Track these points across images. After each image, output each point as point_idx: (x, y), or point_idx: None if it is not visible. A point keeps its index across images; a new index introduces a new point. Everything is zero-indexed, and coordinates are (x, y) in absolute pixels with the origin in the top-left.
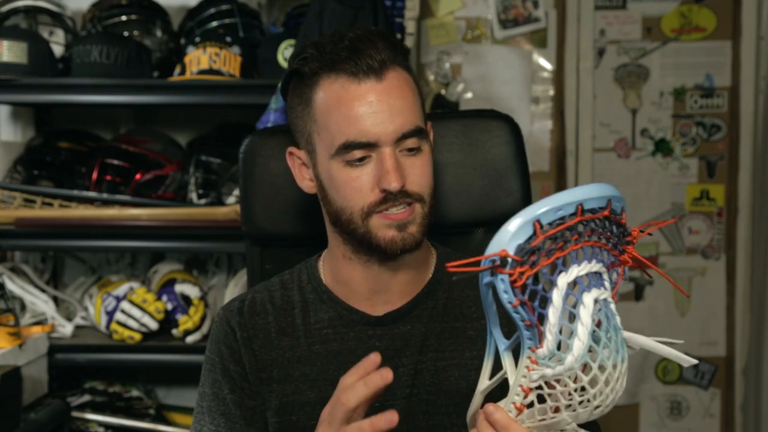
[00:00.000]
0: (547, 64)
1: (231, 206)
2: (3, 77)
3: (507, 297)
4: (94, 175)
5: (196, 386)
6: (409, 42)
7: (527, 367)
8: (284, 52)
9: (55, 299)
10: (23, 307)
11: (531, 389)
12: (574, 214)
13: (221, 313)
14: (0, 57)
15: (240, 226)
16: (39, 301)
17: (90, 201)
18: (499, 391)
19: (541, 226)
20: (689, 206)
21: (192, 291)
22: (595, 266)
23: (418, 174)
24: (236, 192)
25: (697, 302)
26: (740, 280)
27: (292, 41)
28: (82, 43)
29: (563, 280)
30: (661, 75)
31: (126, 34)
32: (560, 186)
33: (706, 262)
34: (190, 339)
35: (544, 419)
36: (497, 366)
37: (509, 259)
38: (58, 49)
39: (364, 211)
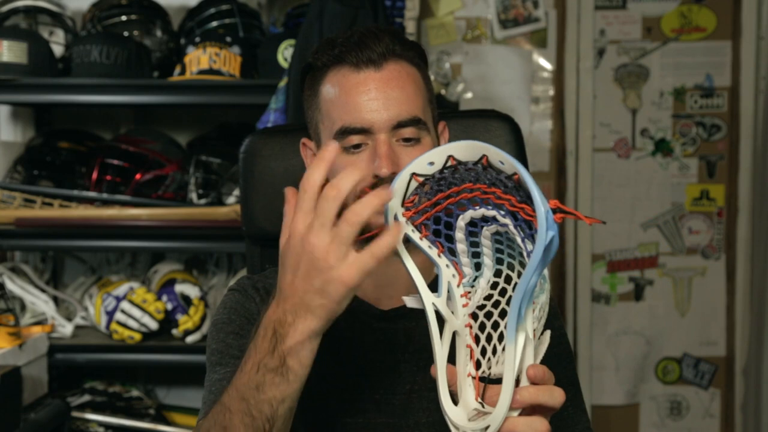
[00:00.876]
0: (547, 64)
1: (231, 206)
2: (3, 77)
3: (415, 235)
4: (94, 175)
5: (196, 386)
6: None
7: (464, 304)
8: (284, 52)
9: (55, 299)
10: (23, 307)
11: (470, 324)
12: (446, 164)
13: (235, 286)
14: (0, 57)
15: (240, 226)
16: (39, 301)
17: (90, 201)
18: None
19: (419, 176)
20: (689, 206)
21: (192, 291)
22: (490, 212)
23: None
24: (236, 192)
25: (697, 302)
26: (740, 280)
27: (292, 41)
28: (82, 43)
29: (462, 221)
30: (661, 75)
31: (126, 34)
32: (560, 186)
33: (706, 262)
34: (190, 339)
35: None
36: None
37: (400, 210)
38: (58, 49)
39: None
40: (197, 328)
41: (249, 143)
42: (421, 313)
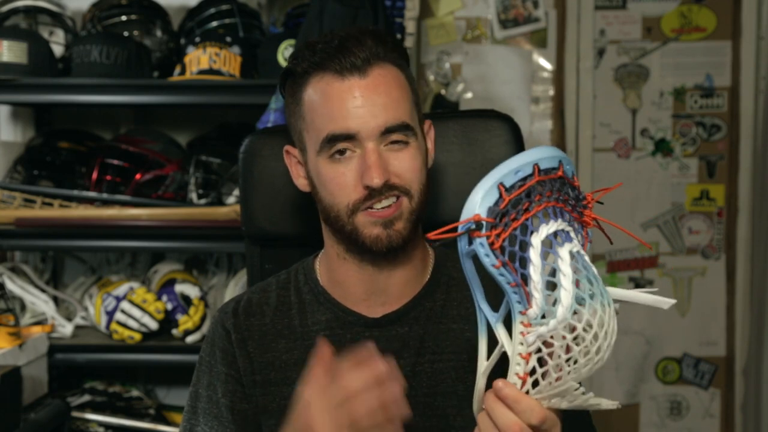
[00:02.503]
0: (547, 64)
1: (231, 206)
2: (3, 77)
3: (489, 260)
4: (94, 175)
5: None
6: (409, 42)
7: (522, 332)
8: (284, 52)
9: (55, 299)
10: (23, 307)
11: (530, 354)
12: (532, 175)
13: (216, 315)
14: (0, 57)
15: (240, 226)
16: (39, 301)
17: (90, 201)
18: (500, 371)
19: (506, 189)
20: (689, 206)
21: (192, 291)
22: (561, 224)
23: (403, 167)
24: (236, 192)
25: (697, 302)
26: (740, 280)
27: (292, 41)
28: (82, 43)
29: (536, 239)
30: (661, 75)
31: (126, 34)
32: None
33: (706, 262)
34: (190, 339)
35: (550, 383)
36: (493, 344)
37: (484, 223)
38: (58, 49)
39: (349, 208)
40: (197, 328)
41: (249, 143)
42: (414, 319)
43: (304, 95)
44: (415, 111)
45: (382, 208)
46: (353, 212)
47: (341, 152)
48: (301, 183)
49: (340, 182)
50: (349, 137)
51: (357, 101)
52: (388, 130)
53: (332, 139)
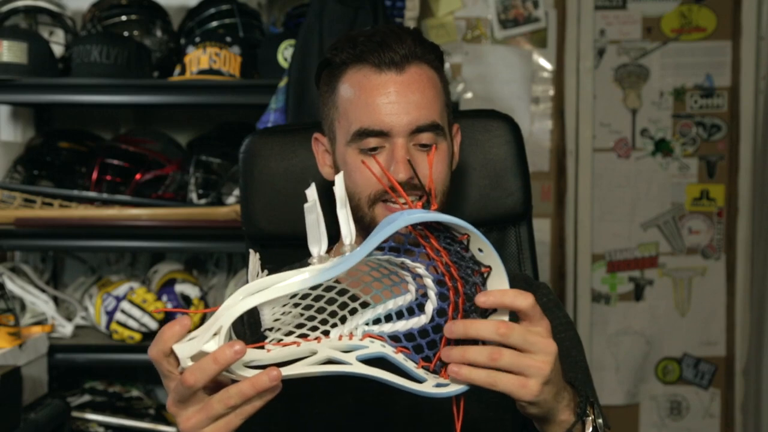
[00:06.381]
0: (547, 64)
1: (231, 206)
2: (3, 77)
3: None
4: (94, 175)
5: None
6: None
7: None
8: (284, 52)
9: (55, 299)
10: (23, 307)
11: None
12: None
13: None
14: (0, 57)
15: (240, 226)
16: (39, 301)
17: (90, 201)
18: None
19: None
20: (689, 206)
21: (192, 291)
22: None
23: (427, 169)
24: (236, 192)
25: (697, 302)
26: (740, 280)
27: (292, 41)
28: (82, 43)
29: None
30: (661, 75)
31: (126, 34)
32: (560, 186)
33: (706, 262)
34: None
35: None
36: None
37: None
38: (58, 49)
39: (370, 198)
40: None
41: (249, 143)
42: None
43: (339, 85)
44: (445, 113)
45: (402, 203)
46: (373, 202)
47: (373, 149)
48: (327, 171)
49: (366, 172)
50: (381, 133)
51: (391, 96)
52: (419, 129)
53: (363, 134)
